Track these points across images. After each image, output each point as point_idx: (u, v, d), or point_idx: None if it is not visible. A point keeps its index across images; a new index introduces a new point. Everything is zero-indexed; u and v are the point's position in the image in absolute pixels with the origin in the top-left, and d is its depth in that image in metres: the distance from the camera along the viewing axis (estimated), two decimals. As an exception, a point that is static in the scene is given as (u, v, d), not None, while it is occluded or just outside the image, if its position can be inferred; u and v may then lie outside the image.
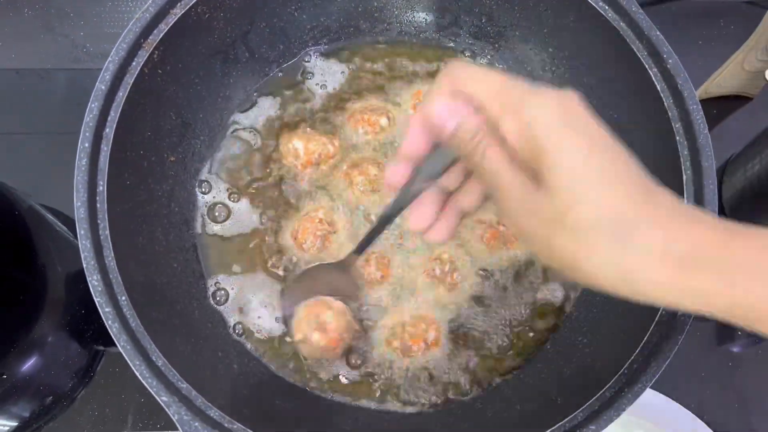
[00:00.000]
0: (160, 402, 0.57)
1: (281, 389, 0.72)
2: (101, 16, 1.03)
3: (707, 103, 0.99)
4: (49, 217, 0.91)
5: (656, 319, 0.62)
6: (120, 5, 1.02)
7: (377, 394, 0.73)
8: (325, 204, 0.79)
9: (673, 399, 0.79)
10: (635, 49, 0.71)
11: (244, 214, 0.79)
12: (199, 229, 0.78)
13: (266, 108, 0.84)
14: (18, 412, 0.83)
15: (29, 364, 0.84)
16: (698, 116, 0.67)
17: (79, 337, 0.86)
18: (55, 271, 0.88)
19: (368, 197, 0.79)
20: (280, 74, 0.86)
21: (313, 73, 0.86)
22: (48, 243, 0.89)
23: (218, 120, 0.82)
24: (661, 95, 0.69)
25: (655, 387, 0.78)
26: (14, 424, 0.82)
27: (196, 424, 0.57)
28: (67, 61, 1.00)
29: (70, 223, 0.90)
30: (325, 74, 0.86)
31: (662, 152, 0.69)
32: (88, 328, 0.86)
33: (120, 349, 0.58)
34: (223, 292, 0.76)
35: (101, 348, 0.87)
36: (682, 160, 0.67)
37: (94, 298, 0.60)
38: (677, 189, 0.67)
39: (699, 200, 0.65)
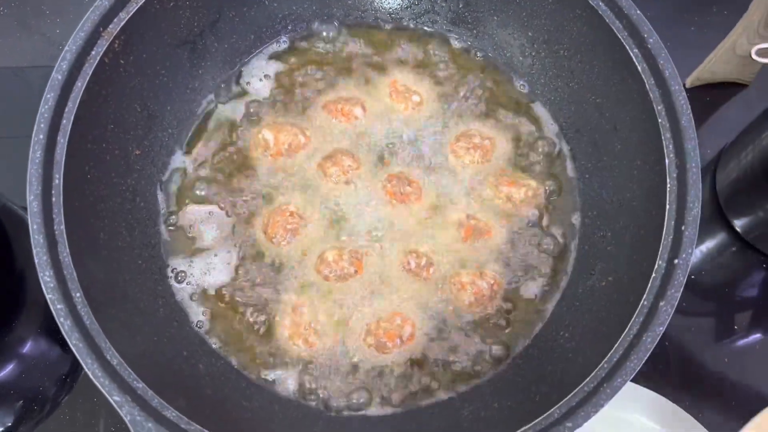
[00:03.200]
0: (112, 402, 0.55)
1: (248, 390, 0.69)
2: (78, 13, 1.00)
3: (700, 90, 0.97)
4: (27, 217, 0.89)
5: (637, 310, 0.59)
6: (96, 2, 1.01)
7: (348, 395, 0.70)
8: (297, 196, 0.76)
9: (668, 398, 0.76)
10: (615, 30, 0.68)
11: (213, 208, 0.77)
12: (164, 226, 0.76)
13: (237, 98, 0.82)
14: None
15: (7, 369, 0.82)
16: (680, 97, 0.64)
17: (60, 342, 0.84)
18: (34, 274, 0.85)
19: (342, 189, 0.76)
20: (252, 63, 0.83)
21: (286, 63, 0.83)
22: (26, 243, 0.87)
23: (187, 112, 0.80)
24: (642, 76, 0.66)
25: (650, 386, 0.75)
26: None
27: (150, 425, 0.54)
28: (44, 59, 0.99)
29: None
30: (299, 63, 0.83)
31: (645, 135, 0.67)
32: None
33: (71, 347, 0.56)
34: (190, 288, 0.73)
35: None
36: (665, 143, 0.64)
37: (46, 294, 0.57)
38: (660, 173, 0.63)
39: (682, 184, 0.62)
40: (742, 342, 0.86)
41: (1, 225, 0.87)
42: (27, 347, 0.83)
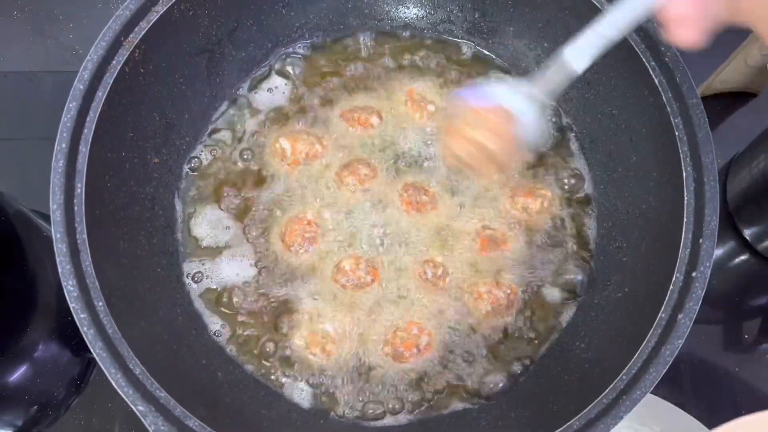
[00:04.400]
0: (136, 412, 0.55)
1: (266, 398, 0.69)
2: (91, 18, 1.02)
3: (711, 100, 0.97)
4: (40, 222, 0.90)
5: (655, 322, 0.60)
6: (110, 8, 1.02)
7: (365, 404, 0.71)
8: (314, 205, 0.76)
9: (678, 406, 0.76)
10: (632, 43, 0.68)
11: (230, 218, 0.77)
12: (182, 234, 0.76)
13: (254, 107, 0.82)
14: (10, 420, 0.82)
15: (19, 373, 0.82)
16: (698, 111, 0.64)
17: (71, 345, 0.84)
18: (46, 277, 0.86)
19: (359, 197, 0.76)
20: (269, 72, 0.84)
21: (302, 71, 0.84)
22: (38, 248, 0.88)
23: (204, 121, 0.80)
24: (660, 89, 0.67)
25: (660, 394, 0.76)
26: (6, 433, 0.81)
27: (173, 434, 0.55)
28: (57, 64, 0.99)
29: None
30: (315, 72, 0.84)
31: (662, 148, 0.67)
32: (78, 336, 0.84)
33: (95, 356, 0.56)
34: (207, 296, 0.74)
35: (92, 356, 0.85)
36: (681, 156, 0.64)
37: (69, 303, 0.58)
38: (677, 186, 0.64)
39: (699, 197, 0.62)
40: (752, 350, 0.86)
41: (13, 229, 0.87)
42: (38, 350, 0.84)
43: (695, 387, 0.83)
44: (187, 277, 0.75)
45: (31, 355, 0.83)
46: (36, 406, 0.82)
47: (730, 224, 0.91)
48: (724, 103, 0.97)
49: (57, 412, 0.82)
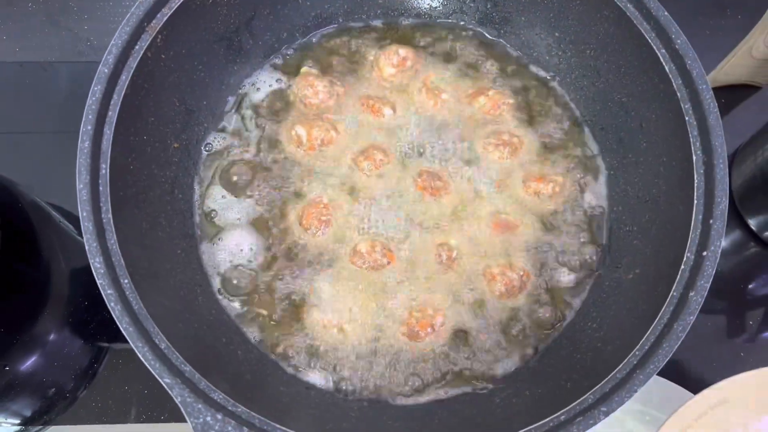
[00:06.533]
0: (163, 384, 0.56)
1: (284, 377, 0.70)
2: (105, 9, 1.03)
3: (715, 92, 0.97)
4: (53, 212, 0.91)
5: (667, 300, 0.61)
6: (123, -1, 1.03)
7: (380, 383, 0.72)
8: (330, 189, 0.78)
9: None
10: (643, 31, 0.70)
11: (246, 202, 0.78)
12: (200, 217, 0.78)
13: (269, 94, 0.84)
14: (20, 409, 0.83)
15: (32, 360, 0.83)
16: (707, 96, 0.66)
17: (83, 334, 0.86)
18: (59, 266, 0.87)
19: (374, 182, 0.78)
20: (284, 60, 0.85)
21: (317, 59, 0.85)
22: (52, 238, 0.89)
23: (222, 107, 0.82)
24: (670, 76, 0.68)
25: (666, 376, 0.77)
26: (16, 421, 0.82)
27: (199, 406, 0.56)
28: (71, 55, 1.00)
29: (74, 219, 0.89)
30: (330, 60, 0.85)
31: (672, 133, 0.69)
32: (91, 323, 0.86)
33: (122, 331, 0.58)
34: (224, 278, 0.75)
35: (105, 344, 0.86)
36: (692, 140, 0.66)
37: (97, 280, 0.59)
38: (687, 170, 0.66)
39: (710, 179, 0.64)
40: (756, 338, 0.88)
41: (28, 219, 0.88)
42: (50, 339, 0.85)
43: (700, 375, 0.85)
44: (204, 259, 0.76)
45: (43, 343, 0.84)
46: (48, 394, 0.83)
47: (735, 214, 0.92)
48: (729, 96, 0.99)
49: (68, 399, 0.83)
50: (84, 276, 0.60)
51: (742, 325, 0.89)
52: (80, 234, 0.61)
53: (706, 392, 0.67)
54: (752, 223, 0.91)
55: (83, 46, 1.01)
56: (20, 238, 0.84)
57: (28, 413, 0.83)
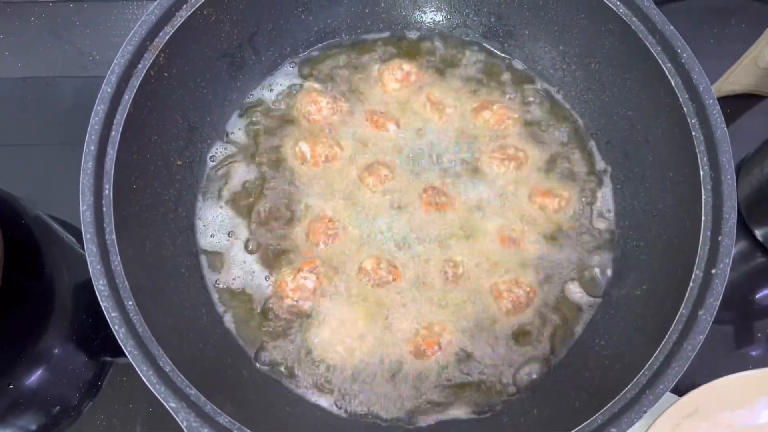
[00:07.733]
0: (169, 408, 0.56)
1: (290, 396, 0.70)
2: (108, 24, 1.03)
3: (721, 102, 0.97)
4: (56, 227, 0.91)
5: (676, 318, 0.61)
6: (126, 13, 1.02)
7: (386, 403, 0.71)
8: (335, 205, 0.77)
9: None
10: (648, 45, 0.70)
11: (250, 220, 0.78)
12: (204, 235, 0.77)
13: (273, 109, 0.83)
14: (25, 424, 0.82)
15: (36, 375, 0.83)
16: (714, 111, 0.65)
17: (87, 348, 0.85)
18: (63, 281, 0.87)
19: (379, 198, 0.77)
20: (286, 75, 0.85)
21: (320, 73, 0.85)
22: (55, 252, 0.89)
23: (225, 124, 0.81)
24: (676, 90, 0.68)
25: (673, 390, 0.76)
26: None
27: (206, 430, 0.55)
28: (74, 69, 1.00)
29: (77, 233, 0.89)
30: (332, 74, 0.85)
31: (678, 148, 0.68)
32: (95, 339, 0.85)
33: (127, 354, 0.57)
34: (229, 294, 0.75)
35: (109, 359, 0.85)
36: (699, 155, 0.65)
37: (101, 302, 0.58)
38: (695, 185, 0.65)
39: (717, 197, 0.63)
40: (765, 349, 0.87)
41: (31, 233, 0.88)
42: (55, 354, 0.84)
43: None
44: (208, 278, 0.75)
45: (47, 358, 0.84)
46: (52, 410, 0.83)
47: (741, 225, 0.92)
48: (734, 105, 0.98)
49: (73, 415, 0.83)
50: (87, 291, 0.60)
51: (750, 335, 0.88)
52: (83, 248, 0.60)
53: (693, 394, 0.69)
54: (759, 233, 0.90)
55: (86, 61, 1.00)
56: (24, 253, 0.84)
57: (32, 429, 0.82)
